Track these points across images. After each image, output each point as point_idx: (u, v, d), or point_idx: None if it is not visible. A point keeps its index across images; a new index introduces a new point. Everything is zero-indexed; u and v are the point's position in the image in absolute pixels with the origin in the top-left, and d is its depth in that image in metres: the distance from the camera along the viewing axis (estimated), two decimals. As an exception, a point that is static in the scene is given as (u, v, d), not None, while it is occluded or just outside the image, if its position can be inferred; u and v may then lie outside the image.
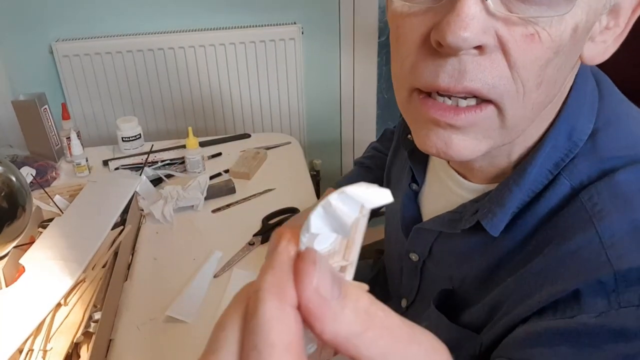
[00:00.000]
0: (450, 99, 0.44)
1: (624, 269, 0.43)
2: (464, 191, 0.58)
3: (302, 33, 1.85)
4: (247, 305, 0.24)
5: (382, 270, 0.82)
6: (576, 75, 0.51)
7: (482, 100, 0.43)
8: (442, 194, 0.62)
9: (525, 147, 0.52)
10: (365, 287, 0.26)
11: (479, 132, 0.45)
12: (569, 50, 0.42)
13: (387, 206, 0.73)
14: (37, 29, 1.77)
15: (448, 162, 0.61)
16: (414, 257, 0.66)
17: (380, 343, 0.24)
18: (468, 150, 0.46)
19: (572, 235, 0.47)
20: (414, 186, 0.67)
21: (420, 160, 0.66)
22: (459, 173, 0.59)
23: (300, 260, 0.24)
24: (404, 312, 0.72)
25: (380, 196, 0.25)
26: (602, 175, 0.48)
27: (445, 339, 0.55)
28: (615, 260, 0.44)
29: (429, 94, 0.45)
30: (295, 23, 1.85)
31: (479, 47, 0.40)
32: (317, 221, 0.25)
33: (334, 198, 0.25)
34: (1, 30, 1.76)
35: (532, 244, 0.50)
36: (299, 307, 0.24)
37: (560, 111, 0.50)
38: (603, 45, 0.46)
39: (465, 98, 0.44)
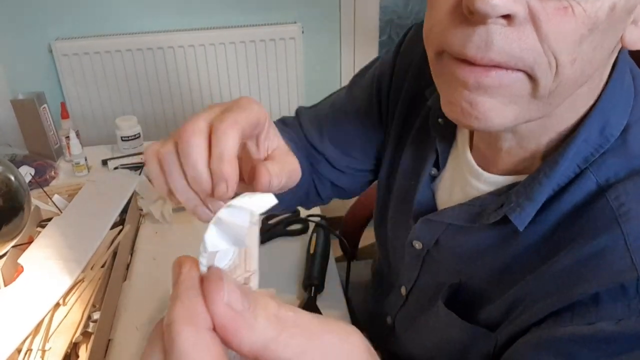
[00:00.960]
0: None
1: None
2: (481, 184, 0.56)
3: (303, 32, 1.85)
4: (164, 340, 0.25)
5: (384, 261, 0.82)
6: (614, 69, 0.48)
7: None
8: (457, 184, 0.60)
9: (557, 134, 0.49)
10: (272, 292, 0.27)
11: (507, 96, 0.42)
12: (605, 29, 0.40)
13: (396, 192, 0.71)
14: (37, 28, 1.77)
15: (470, 150, 0.58)
16: (417, 245, 0.64)
17: (295, 342, 0.25)
18: (494, 113, 0.43)
19: (596, 235, 0.45)
20: (433, 171, 0.64)
21: (444, 148, 0.63)
22: (479, 165, 0.57)
23: (206, 280, 0.25)
24: (405, 301, 0.71)
25: (265, 201, 0.27)
26: (630, 174, 0.46)
27: (458, 337, 0.53)
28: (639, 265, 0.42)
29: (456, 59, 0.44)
30: (295, 22, 1.85)
31: (507, 17, 0.39)
32: (212, 239, 0.26)
33: (223, 213, 0.26)
34: (0, 29, 1.75)
35: (553, 240, 0.49)
36: (214, 328, 0.24)
37: (595, 103, 0.48)
38: None
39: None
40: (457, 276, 0.59)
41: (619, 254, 0.43)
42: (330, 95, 0.82)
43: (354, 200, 1.19)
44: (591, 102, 0.48)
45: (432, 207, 0.64)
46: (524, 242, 0.51)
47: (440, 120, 0.62)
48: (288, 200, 0.75)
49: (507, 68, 0.41)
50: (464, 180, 0.59)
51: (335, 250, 0.97)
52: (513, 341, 0.50)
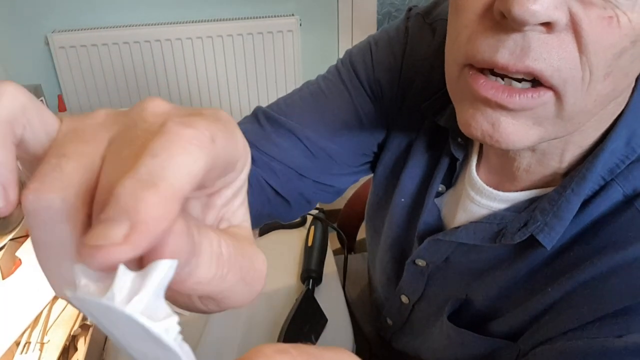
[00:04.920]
0: (503, 79, 0.39)
1: None
2: (495, 202, 0.53)
3: (300, 25, 1.84)
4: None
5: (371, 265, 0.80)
6: (638, 78, 0.45)
7: (539, 85, 0.38)
8: (461, 202, 0.57)
9: (581, 149, 0.47)
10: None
11: (530, 118, 0.40)
12: None
13: (388, 208, 0.67)
14: (33, 20, 1.76)
15: (476, 170, 0.55)
16: (421, 263, 0.61)
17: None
18: (516, 137, 0.40)
19: (627, 245, 0.44)
20: (441, 187, 0.60)
21: (457, 165, 0.59)
22: (489, 183, 0.53)
23: None
24: (411, 309, 0.68)
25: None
26: None
27: (477, 353, 0.53)
28: None
29: (481, 71, 0.40)
30: (293, 15, 1.84)
31: (547, 24, 0.35)
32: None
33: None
34: (-4, 21, 1.75)
35: (575, 251, 0.47)
36: None
37: (620, 115, 0.46)
38: None
39: (520, 81, 0.39)
40: (464, 291, 0.57)
41: None
42: (293, 95, 0.69)
43: (351, 193, 1.19)
44: (616, 114, 0.47)
45: (439, 227, 0.61)
46: (542, 254, 0.50)
47: (460, 140, 0.57)
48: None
49: (539, 81, 0.38)
50: (467, 197, 0.56)
51: (333, 243, 0.98)
52: (537, 346, 0.49)
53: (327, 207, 1.08)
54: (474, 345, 0.55)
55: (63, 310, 0.79)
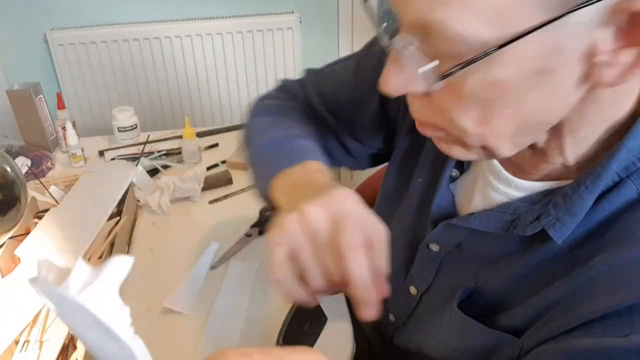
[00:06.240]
0: None
1: None
2: (511, 189, 0.54)
3: (300, 22, 1.84)
4: None
5: None
6: None
7: None
8: (478, 188, 0.58)
9: (587, 145, 0.47)
10: None
11: (449, 141, 0.46)
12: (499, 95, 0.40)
13: (411, 190, 0.69)
14: (32, 18, 1.76)
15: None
16: (434, 247, 0.62)
17: None
18: (459, 155, 0.48)
19: (635, 244, 0.44)
20: (454, 172, 0.61)
21: None
22: (508, 169, 0.54)
23: None
24: (418, 301, 0.68)
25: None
26: None
27: (479, 344, 0.53)
28: None
29: None
30: (293, 12, 1.84)
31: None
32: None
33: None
34: (-5, 19, 1.74)
35: (585, 247, 0.48)
36: None
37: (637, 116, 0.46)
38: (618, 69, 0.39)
39: None
40: (473, 279, 0.58)
41: None
42: (333, 68, 0.79)
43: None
44: (625, 115, 0.46)
45: (453, 211, 0.62)
46: (553, 248, 0.50)
47: None
48: None
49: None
50: (486, 184, 0.56)
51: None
52: (540, 344, 0.49)
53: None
54: (478, 337, 0.55)
55: (62, 308, 0.79)
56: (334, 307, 0.82)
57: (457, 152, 0.48)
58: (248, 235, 1.00)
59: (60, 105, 1.34)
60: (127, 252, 0.97)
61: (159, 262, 0.95)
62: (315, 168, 0.62)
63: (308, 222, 0.49)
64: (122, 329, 0.19)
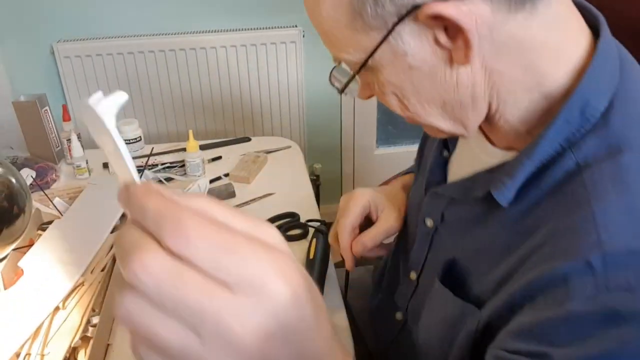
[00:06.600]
0: None
1: (614, 251, 0.43)
2: (487, 156, 0.59)
3: (303, 36, 1.85)
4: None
5: (389, 262, 0.86)
6: (596, 53, 0.50)
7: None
8: (469, 160, 0.64)
9: (520, 110, 0.53)
10: None
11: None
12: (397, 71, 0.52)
13: (420, 172, 0.78)
14: (39, 30, 1.77)
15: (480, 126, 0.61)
16: (429, 222, 0.68)
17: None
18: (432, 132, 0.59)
19: (569, 213, 0.47)
20: (445, 153, 0.69)
21: None
22: (487, 138, 0.61)
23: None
24: (416, 286, 0.73)
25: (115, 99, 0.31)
26: (608, 155, 0.48)
27: (450, 314, 0.59)
28: (605, 242, 0.43)
29: None
30: (296, 26, 1.85)
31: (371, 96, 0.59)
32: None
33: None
34: (2, 31, 1.76)
35: (532, 218, 0.51)
36: None
37: (576, 86, 0.50)
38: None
39: None
40: (452, 252, 0.62)
41: (587, 231, 0.45)
42: None
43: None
44: (558, 84, 0.51)
45: (442, 183, 0.69)
46: (508, 219, 0.53)
47: None
48: None
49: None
50: (474, 156, 0.62)
51: (335, 256, 0.98)
52: (495, 319, 0.51)
53: (329, 219, 1.08)
54: (451, 307, 0.59)
55: (64, 322, 0.79)
56: (335, 321, 0.82)
57: (428, 130, 0.60)
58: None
59: (66, 117, 1.35)
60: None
61: (161, 275, 0.95)
62: None
63: None
64: (103, 113, 0.30)
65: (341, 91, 0.58)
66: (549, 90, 0.51)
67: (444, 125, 0.55)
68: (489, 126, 0.57)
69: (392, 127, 2.19)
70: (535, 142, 0.51)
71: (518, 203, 0.52)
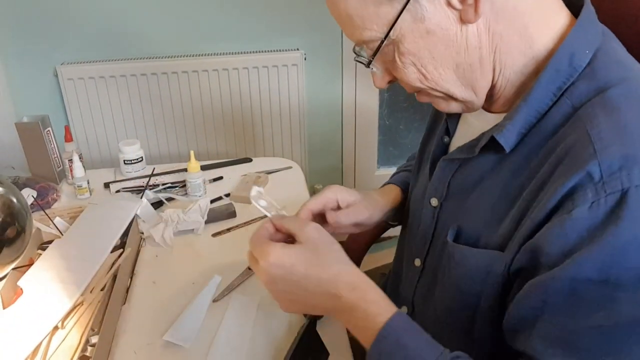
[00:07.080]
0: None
1: (608, 157, 0.51)
2: (484, 123, 0.66)
3: (305, 59, 1.88)
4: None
5: (390, 277, 0.91)
6: (580, 17, 0.60)
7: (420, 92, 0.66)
8: (466, 133, 0.71)
9: (519, 74, 0.61)
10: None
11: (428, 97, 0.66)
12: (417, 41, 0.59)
13: (415, 180, 0.86)
14: (42, 52, 1.80)
15: None
16: (434, 202, 0.74)
17: None
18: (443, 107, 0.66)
19: (567, 137, 0.55)
20: (446, 139, 0.77)
21: (452, 118, 0.76)
22: (484, 107, 0.67)
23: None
24: (422, 270, 0.78)
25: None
26: (597, 93, 0.56)
27: (473, 267, 0.64)
28: (600, 152, 0.51)
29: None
30: (298, 49, 1.87)
31: (391, 82, 0.67)
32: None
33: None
34: (6, 53, 1.78)
35: (538, 156, 0.58)
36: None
37: (560, 42, 0.59)
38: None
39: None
40: (459, 221, 0.68)
41: (584, 147, 0.52)
42: None
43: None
44: (541, 46, 0.60)
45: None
46: (517, 162, 0.61)
47: None
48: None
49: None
50: (471, 128, 0.70)
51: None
52: (522, 254, 0.57)
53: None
54: (474, 263, 0.63)
55: (63, 341, 0.78)
56: (335, 342, 0.81)
57: (441, 104, 0.66)
58: (250, 268, 1.00)
59: (68, 137, 1.36)
60: (130, 285, 0.97)
61: (161, 295, 0.94)
62: None
63: None
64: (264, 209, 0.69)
65: (367, 64, 0.64)
66: (537, 54, 0.60)
67: (458, 91, 0.62)
68: (490, 98, 0.65)
69: (393, 148, 2.20)
70: (529, 92, 0.59)
71: (522, 150, 0.60)
